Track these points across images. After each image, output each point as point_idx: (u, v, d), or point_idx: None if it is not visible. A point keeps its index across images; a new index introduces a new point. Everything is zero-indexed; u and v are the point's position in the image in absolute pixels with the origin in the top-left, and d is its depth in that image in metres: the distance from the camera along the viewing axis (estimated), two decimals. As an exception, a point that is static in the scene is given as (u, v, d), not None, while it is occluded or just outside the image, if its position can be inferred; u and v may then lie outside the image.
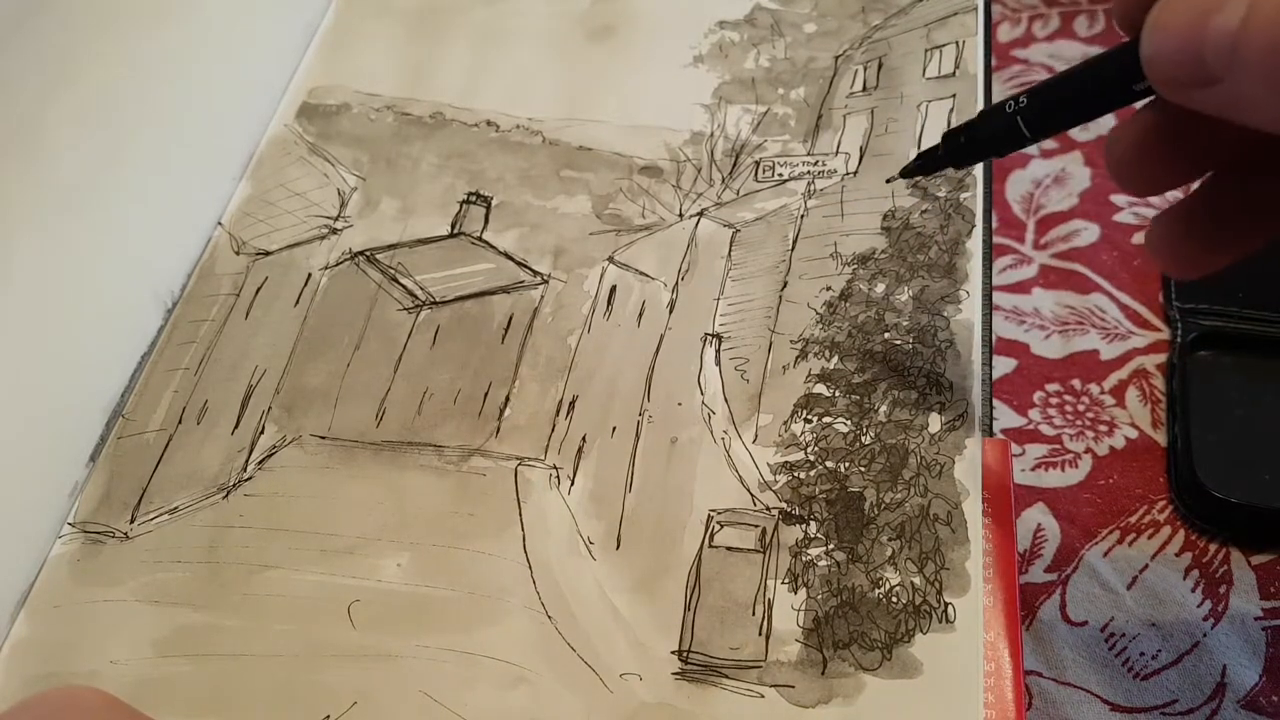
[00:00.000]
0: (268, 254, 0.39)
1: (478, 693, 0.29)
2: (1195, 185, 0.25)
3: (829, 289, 0.36)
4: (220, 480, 0.34)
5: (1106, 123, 0.41)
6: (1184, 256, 0.26)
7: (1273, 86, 0.20)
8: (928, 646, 0.29)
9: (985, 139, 0.29)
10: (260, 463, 0.34)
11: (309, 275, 0.38)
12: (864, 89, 0.41)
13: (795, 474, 0.32)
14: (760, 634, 0.29)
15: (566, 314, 0.37)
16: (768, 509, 0.31)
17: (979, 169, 0.37)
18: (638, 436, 0.33)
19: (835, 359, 0.34)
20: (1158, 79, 0.22)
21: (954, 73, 0.40)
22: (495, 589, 0.31)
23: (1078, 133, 0.45)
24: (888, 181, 0.37)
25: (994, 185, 0.39)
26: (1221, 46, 0.20)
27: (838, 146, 0.39)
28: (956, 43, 0.41)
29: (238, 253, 0.39)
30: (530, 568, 0.31)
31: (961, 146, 0.30)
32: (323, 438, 0.35)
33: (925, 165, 0.31)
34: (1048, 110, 0.27)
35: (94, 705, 0.22)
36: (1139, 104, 0.25)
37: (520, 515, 0.32)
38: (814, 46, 0.43)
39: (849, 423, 0.33)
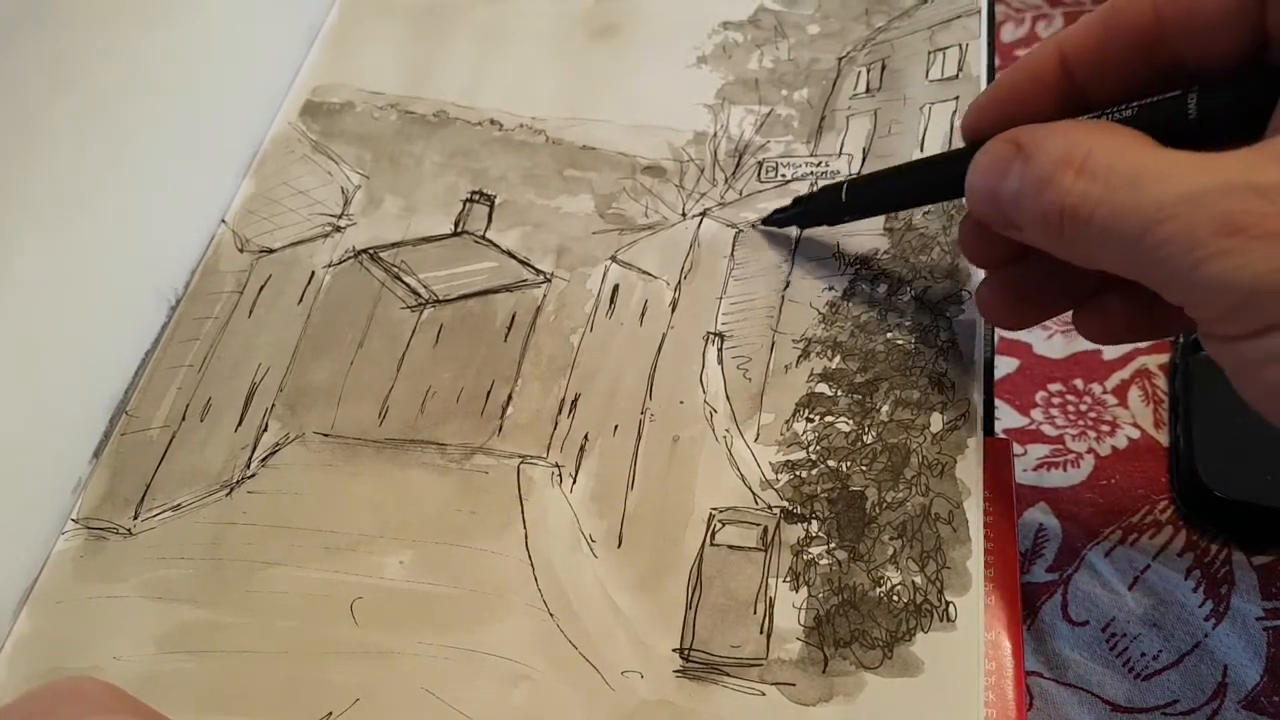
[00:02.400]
0: (271, 252, 0.39)
1: (479, 690, 0.29)
2: (1011, 265, 0.31)
3: (831, 289, 0.36)
4: (223, 477, 0.34)
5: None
6: (1002, 315, 0.32)
7: (1041, 236, 0.26)
8: (929, 645, 0.29)
9: (818, 211, 0.36)
10: (263, 460, 0.34)
11: (312, 273, 0.39)
12: (867, 90, 0.41)
13: (797, 473, 0.32)
14: (761, 632, 0.29)
15: (569, 313, 0.37)
16: (769, 507, 0.31)
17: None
18: (640, 435, 0.33)
19: (837, 358, 0.34)
20: (980, 218, 0.28)
21: (957, 75, 0.40)
22: (497, 587, 0.31)
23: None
24: (752, 227, 0.38)
25: (996, 186, 0.39)
26: (1010, 207, 0.26)
27: (840, 148, 0.39)
28: (960, 45, 0.41)
29: (241, 250, 0.39)
30: (532, 565, 0.31)
31: (802, 213, 0.36)
32: (326, 435, 0.35)
33: (780, 220, 0.37)
34: (866, 200, 0.34)
35: (98, 695, 0.22)
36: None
37: (522, 513, 0.32)
38: (817, 48, 0.43)
39: (851, 422, 0.33)
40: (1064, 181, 0.25)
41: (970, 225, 0.31)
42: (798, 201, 0.36)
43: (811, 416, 0.33)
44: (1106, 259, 0.24)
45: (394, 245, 0.39)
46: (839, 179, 0.37)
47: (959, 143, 0.39)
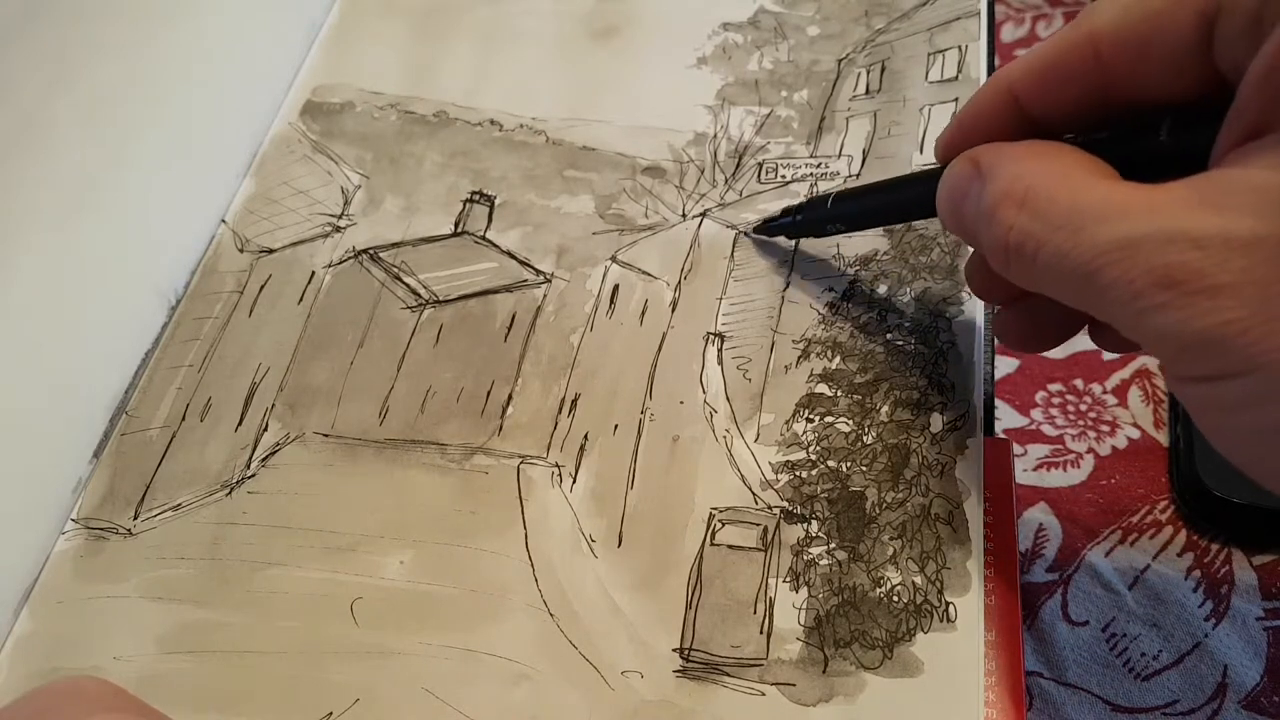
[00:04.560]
0: (271, 252, 0.39)
1: (479, 690, 0.29)
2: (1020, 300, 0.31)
3: (831, 290, 0.36)
4: (223, 477, 0.34)
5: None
6: (1019, 341, 0.32)
7: (996, 265, 0.25)
8: (929, 646, 0.29)
9: (806, 221, 0.35)
10: (263, 460, 0.34)
11: (313, 273, 0.39)
12: (867, 92, 0.41)
13: (797, 473, 0.32)
14: (761, 632, 0.29)
15: (569, 313, 0.37)
16: (769, 507, 0.31)
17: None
18: (640, 435, 0.33)
19: (837, 359, 0.34)
20: (952, 234, 0.29)
21: (956, 77, 0.40)
22: (497, 587, 0.31)
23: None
24: (744, 234, 0.38)
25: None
26: (972, 229, 0.26)
27: (840, 149, 0.39)
28: (959, 47, 0.41)
29: (241, 250, 0.39)
30: (532, 565, 0.31)
31: (791, 223, 0.36)
32: (326, 435, 0.35)
33: (771, 229, 0.37)
34: (853, 211, 0.34)
35: (98, 694, 0.22)
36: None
37: (522, 513, 0.32)
38: (817, 49, 0.43)
39: (851, 422, 0.33)
40: (1006, 216, 0.24)
41: (976, 263, 0.31)
42: (787, 212, 0.36)
43: (811, 417, 0.33)
44: (1056, 294, 0.24)
45: (394, 245, 0.39)
46: (827, 191, 0.37)
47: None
